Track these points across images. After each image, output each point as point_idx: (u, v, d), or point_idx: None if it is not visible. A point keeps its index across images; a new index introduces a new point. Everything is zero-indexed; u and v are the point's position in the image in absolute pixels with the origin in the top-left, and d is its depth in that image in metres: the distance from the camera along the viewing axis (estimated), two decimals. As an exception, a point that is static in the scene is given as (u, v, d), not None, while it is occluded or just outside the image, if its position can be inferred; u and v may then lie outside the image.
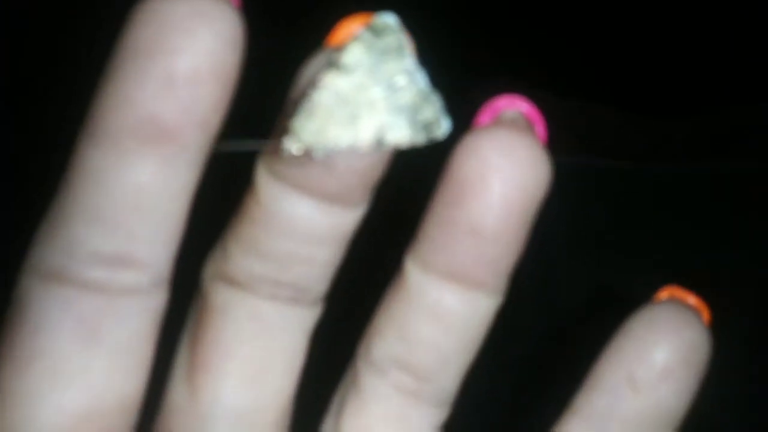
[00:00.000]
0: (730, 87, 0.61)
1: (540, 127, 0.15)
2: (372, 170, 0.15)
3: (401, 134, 0.15)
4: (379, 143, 0.15)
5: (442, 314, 0.16)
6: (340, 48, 0.14)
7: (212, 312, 0.17)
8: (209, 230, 0.17)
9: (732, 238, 0.55)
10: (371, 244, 0.19)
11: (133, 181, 0.14)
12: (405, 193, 0.19)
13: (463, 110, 0.16)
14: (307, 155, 0.14)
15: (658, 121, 0.61)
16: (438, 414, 0.17)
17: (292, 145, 0.14)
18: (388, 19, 0.14)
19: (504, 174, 0.15)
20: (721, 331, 0.16)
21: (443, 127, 0.15)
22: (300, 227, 0.16)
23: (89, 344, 0.15)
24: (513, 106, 0.15)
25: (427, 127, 0.15)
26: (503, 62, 0.61)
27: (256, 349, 0.17)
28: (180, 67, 0.13)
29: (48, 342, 0.15)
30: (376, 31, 0.14)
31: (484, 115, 0.15)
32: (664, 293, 0.16)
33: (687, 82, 0.62)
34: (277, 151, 0.15)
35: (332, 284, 0.17)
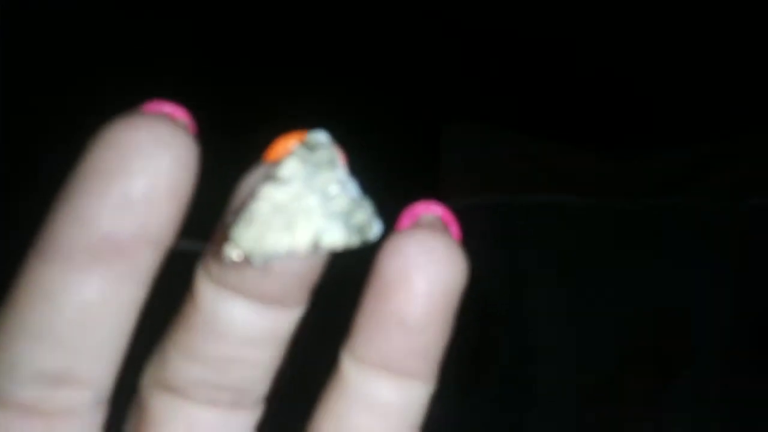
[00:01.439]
0: (694, 123, 0.63)
1: (454, 228, 0.17)
2: (309, 272, 0.16)
3: (336, 237, 0.15)
4: (315, 247, 0.15)
5: (378, 406, 0.17)
6: (277, 162, 0.15)
7: (150, 423, 0.17)
8: (146, 336, 0.17)
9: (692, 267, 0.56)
10: (311, 341, 0.19)
11: (82, 297, 0.14)
12: (341, 291, 0.20)
13: (390, 213, 0.17)
14: (246, 261, 0.15)
15: (628, 159, 0.64)
16: None
17: (232, 252, 0.15)
18: (320, 136, 0.16)
19: (425, 270, 0.16)
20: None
21: (375, 229, 0.16)
22: (238, 330, 0.16)
23: None
24: (429, 210, 0.17)
25: (361, 230, 0.16)
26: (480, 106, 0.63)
27: None
28: (137, 187, 0.14)
29: None
30: (310, 147, 0.15)
31: (405, 219, 0.17)
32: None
33: (656, 119, 0.65)
34: (216, 257, 0.16)
35: (273, 383, 0.17)
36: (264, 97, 0.62)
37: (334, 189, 0.15)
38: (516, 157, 0.65)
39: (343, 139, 0.16)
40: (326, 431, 0.17)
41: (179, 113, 0.15)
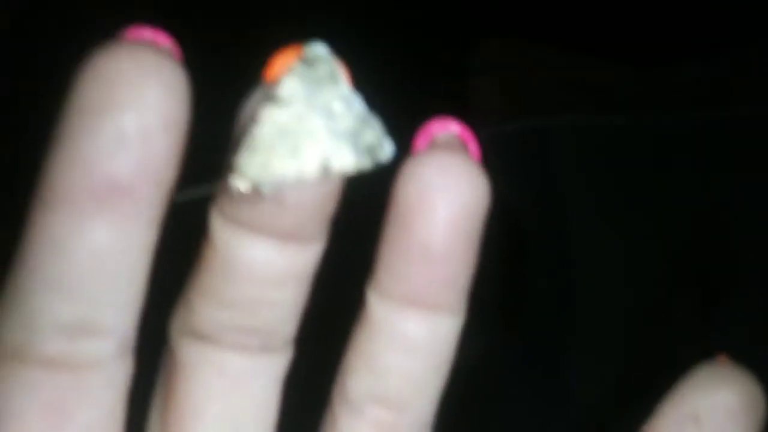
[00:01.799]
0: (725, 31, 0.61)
1: (473, 146, 0.16)
2: (323, 202, 0.15)
3: (346, 160, 0.15)
4: (325, 172, 0.15)
5: (407, 341, 0.16)
6: (275, 82, 0.15)
7: (180, 370, 0.16)
8: (174, 284, 0.17)
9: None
10: (337, 280, 0.19)
11: (92, 244, 0.14)
12: (365, 224, 0.19)
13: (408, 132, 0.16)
14: (256, 192, 0.14)
15: (656, 69, 0.62)
16: None
17: (238, 183, 0.14)
18: (319, 49, 0.15)
19: (445, 194, 0.15)
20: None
21: (387, 150, 0.15)
22: (258, 270, 0.15)
23: (59, 428, 0.15)
24: (445, 128, 0.16)
25: (371, 150, 0.15)
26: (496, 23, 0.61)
27: (227, 405, 0.16)
28: (129, 123, 0.13)
29: (15, 431, 0.14)
30: (309, 62, 0.14)
31: (420, 141, 0.16)
32: (723, 358, 0.17)
33: (680, 28, 0.63)
34: (225, 191, 0.15)
35: (301, 325, 0.17)
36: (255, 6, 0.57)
37: (337, 107, 0.14)
38: (552, 77, 0.62)
39: (355, 53, 0.15)
40: (357, 370, 0.17)
41: (162, 39, 0.14)
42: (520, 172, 0.57)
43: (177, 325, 0.17)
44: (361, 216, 0.18)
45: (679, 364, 0.17)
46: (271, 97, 0.14)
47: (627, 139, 0.59)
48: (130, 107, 0.13)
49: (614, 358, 0.53)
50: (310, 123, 0.14)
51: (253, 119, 0.14)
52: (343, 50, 0.15)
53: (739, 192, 0.56)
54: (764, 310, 0.55)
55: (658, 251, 0.56)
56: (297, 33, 0.18)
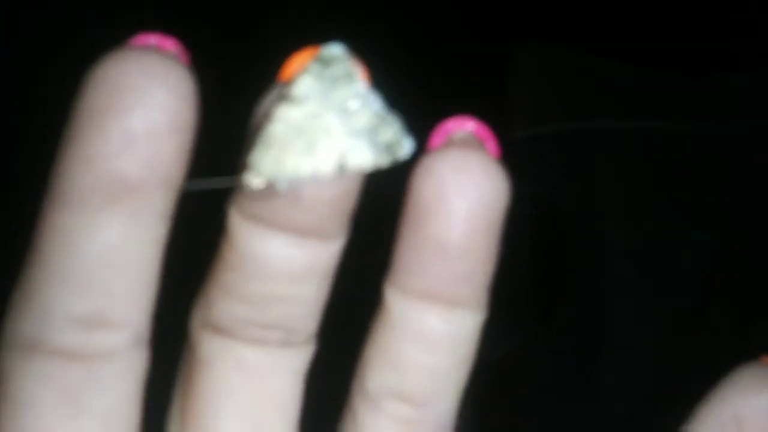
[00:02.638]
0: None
1: (491, 143, 0.16)
2: (341, 199, 0.15)
3: (363, 157, 0.15)
4: (342, 169, 0.15)
5: (427, 336, 0.16)
6: (290, 81, 0.15)
7: (200, 364, 0.17)
8: (193, 279, 0.17)
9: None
10: (357, 275, 0.19)
11: (103, 239, 0.14)
12: (383, 219, 0.19)
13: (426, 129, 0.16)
14: (271, 188, 0.15)
15: (704, 78, 0.60)
16: None
17: (253, 179, 0.14)
18: (335, 49, 0.15)
19: (461, 190, 0.15)
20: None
21: (406, 147, 0.15)
22: (277, 266, 0.16)
23: (74, 417, 0.15)
24: (462, 126, 0.16)
25: (389, 148, 0.15)
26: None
27: (247, 399, 0.17)
28: (137, 123, 0.14)
29: (31, 419, 0.15)
30: (324, 62, 0.15)
31: (436, 138, 0.16)
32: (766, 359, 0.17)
33: (728, 38, 0.61)
34: (241, 188, 0.15)
35: (322, 320, 0.17)
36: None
37: (353, 104, 0.15)
38: (590, 81, 0.62)
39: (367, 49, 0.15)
40: (376, 366, 0.17)
41: (167, 44, 0.15)
42: (557, 174, 0.56)
43: (196, 320, 0.17)
44: (378, 210, 0.18)
45: (717, 368, 0.17)
46: (285, 96, 0.15)
47: (667, 145, 0.58)
48: (137, 108, 0.14)
49: (648, 363, 0.52)
50: (325, 120, 0.15)
51: (267, 117, 0.15)
52: (381, 53, 0.15)
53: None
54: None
55: (694, 257, 0.55)
56: (324, 33, 0.18)
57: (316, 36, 0.17)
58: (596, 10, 0.63)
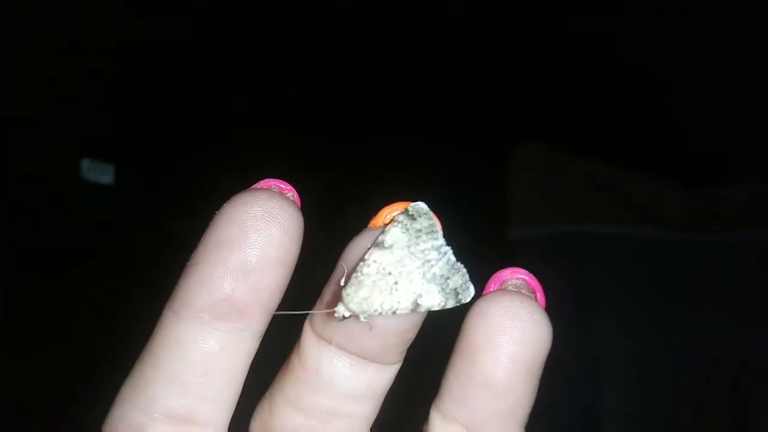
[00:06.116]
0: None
1: (540, 294, 0.18)
2: (407, 330, 0.17)
3: (434, 300, 0.17)
4: (415, 307, 0.17)
5: None
6: (382, 230, 0.17)
7: None
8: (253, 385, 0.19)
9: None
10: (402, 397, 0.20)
11: (206, 348, 0.17)
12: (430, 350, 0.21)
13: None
14: (354, 318, 0.17)
15: (711, 188, 0.62)
16: None
17: (343, 310, 0.17)
18: (421, 206, 0.17)
19: (510, 333, 0.17)
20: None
21: (470, 292, 0.17)
22: (340, 385, 0.18)
23: None
24: (516, 276, 0.18)
25: (456, 293, 0.17)
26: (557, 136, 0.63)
27: None
28: (252, 256, 0.16)
29: None
30: (411, 216, 0.17)
31: (492, 284, 0.18)
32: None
33: (738, 146, 0.64)
34: (326, 316, 0.17)
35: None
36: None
37: (433, 255, 0.17)
38: (589, 186, 0.63)
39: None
40: None
41: (287, 189, 0.18)
42: (552, 271, 0.57)
43: (258, 422, 0.19)
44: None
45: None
46: (378, 243, 0.17)
47: (662, 251, 0.60)
48: (255, 245, 0.16)
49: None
50: (408, 267, 0.17)
51: (361, 260, 0.17)
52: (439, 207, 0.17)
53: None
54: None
55: (688, 371, 0.56)
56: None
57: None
58: (602, 113, 0.66)
